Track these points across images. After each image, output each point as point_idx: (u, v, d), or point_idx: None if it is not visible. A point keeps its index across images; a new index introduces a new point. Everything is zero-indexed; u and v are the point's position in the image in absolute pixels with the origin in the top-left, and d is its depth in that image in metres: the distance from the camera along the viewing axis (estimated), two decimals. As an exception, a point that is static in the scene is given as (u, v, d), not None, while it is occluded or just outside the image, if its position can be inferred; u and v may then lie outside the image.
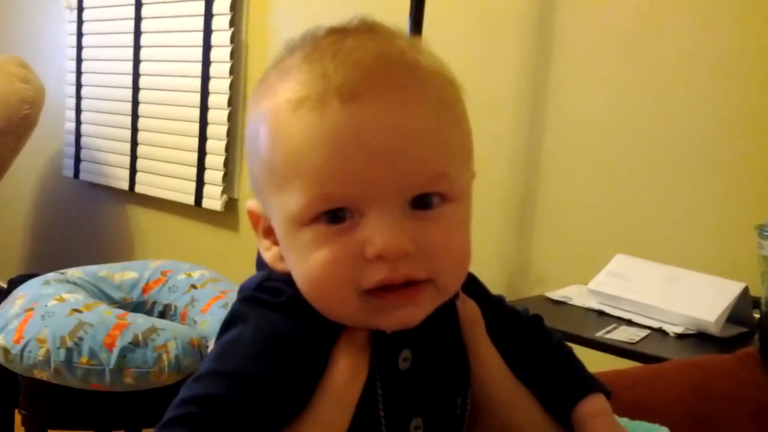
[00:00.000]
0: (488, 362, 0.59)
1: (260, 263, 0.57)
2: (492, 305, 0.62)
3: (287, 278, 0.52)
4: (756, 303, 1.25)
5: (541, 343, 0.62)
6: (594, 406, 0.59)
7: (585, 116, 1.73)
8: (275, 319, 0.51)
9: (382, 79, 0.49)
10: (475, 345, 0.58)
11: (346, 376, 0.50)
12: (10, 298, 1.78)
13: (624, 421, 0.65)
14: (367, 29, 0.54)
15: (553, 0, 1.77)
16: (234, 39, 2.53)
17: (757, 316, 1.25)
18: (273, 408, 0.48)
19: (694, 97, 1.57)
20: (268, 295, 0.52)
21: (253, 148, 0.53)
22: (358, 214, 0.48)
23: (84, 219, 3.20)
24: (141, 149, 2.88)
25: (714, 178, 1.55)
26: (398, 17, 1.82)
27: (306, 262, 0.49)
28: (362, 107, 0.48)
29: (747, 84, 1.50)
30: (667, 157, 1.61)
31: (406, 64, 0.50)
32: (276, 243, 0.53)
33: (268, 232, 0.54)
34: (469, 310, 0.58)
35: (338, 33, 0.53)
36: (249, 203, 0.56)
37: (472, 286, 0.61)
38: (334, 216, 0.48)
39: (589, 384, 0.60)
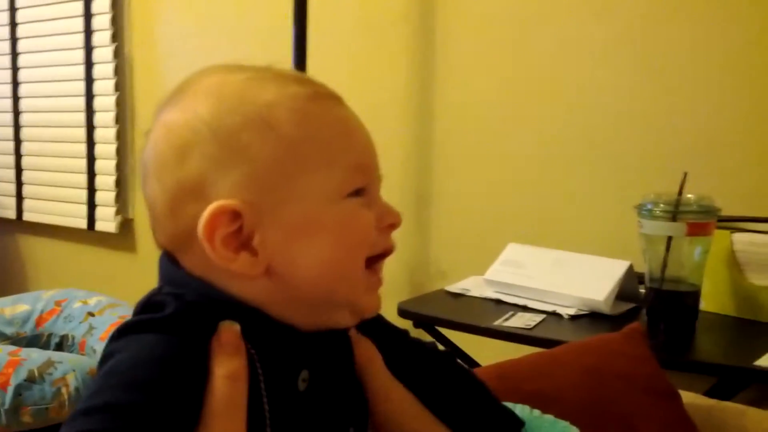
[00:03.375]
0: (392, 396, 0.59)
1: (164, 282, 0.55)
2: (395, 337, 0.63)
3: (177, 293, 0.52)
4: (641, 279, 1.31)
5: (458, 378, 0.64)
6: None
7: (473, 109, 1.77)
8: (152, 341, 0.49)
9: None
10: (375, 382, 0.59)
11: (225, 383, 0.49)
12: None
13: (535, 416, 0.67)
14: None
15: (432, -2, 1.81)
16: (117, 54, 2.46)
17: (643, 291, 1.31)
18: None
19: (577, 86, 1.63)
20: (151, 313, 0.51)
21: (255, 136, 0.52)
22: (368, 194, 0.55)
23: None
24: (26, 175, 2.76)
25: (596, 163, 1.61)
26: (281, 22, 1.82)
27: (343, 230, 0.53)
28: (350, 109, 0.57)
29: (627, 72, 1.57)
30: (553, 147, 1.67)
31: None
32: (240, 250, 0.51)
33: (234, 239, 0.51)
34: (365, 348, 0.59)
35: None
36: (219, 203, 0.51)
37: (372, 320, 0.60)
38: (358, 192, 0.54)
39: (511, 423, 0.62)
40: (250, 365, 0.51)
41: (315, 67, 1.75)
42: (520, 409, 0.65)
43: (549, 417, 0.64)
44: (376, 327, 0.61)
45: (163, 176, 0.53)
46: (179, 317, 0.50)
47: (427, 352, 0.64)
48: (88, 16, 2.49)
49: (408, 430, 0.59)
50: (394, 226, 0.56)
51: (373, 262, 0.55)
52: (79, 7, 2.50)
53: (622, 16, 1.57)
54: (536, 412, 0.66)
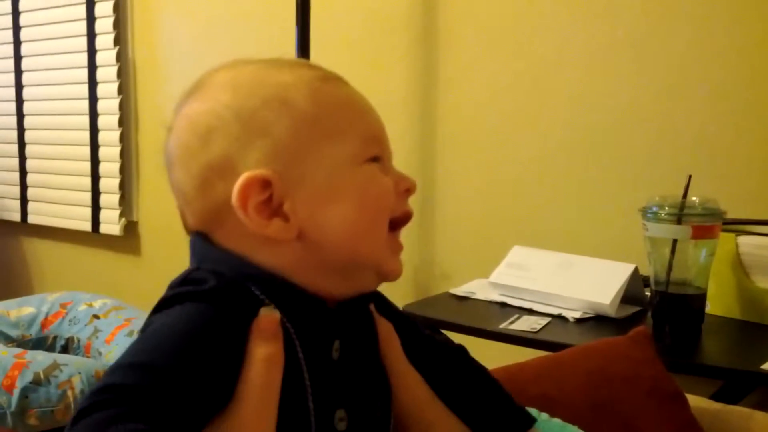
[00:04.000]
0: (407, 381, 0.61)
1: (200, 260, 0.56)
2: (406, 324, 0.64)
3: (217, 270, 0.54)
4: (646, 282, 1.31)
5: (470, 372, 0.65)
6: None
7: (476, 113, 1.77)
8: (190, 309, 0.51)
9: None
10: (393, 363, 0.61)
11: (262, 368, 0.51)
12: None
13: (542, 420, 0.67)
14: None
15: (437, 0, 1.81)
16: (120, 57, 2.47)
17: (648, 294, 1.31)
18: (189, 399, 0.48)
19: (580, 89, 1.63)
20: (192, 286, 0.53)
21: (274, 114, 0.55)
22: (383, 162, 0.59)
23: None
24: (31, 178, 2.77)
25: (601, 166, 1.61)
26: (284, 27, 1.82)
27: (365, 194, 0.56)
28: (356, 90, 0.61)
29: (630, 75, 1.57)
30: (556, 149, 1.67)
31: None
32: (272, 216, 0.54)
33: (266, 206, 0.54)
34: (385, 327, 0.61)
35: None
36: (249, 173, 0.54)
37: (384, 306, 0.63)
38: (375, 160, 0.58)
39: (524, 419, 0.63)
40: (287, 339, 0.53)
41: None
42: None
43: (557, 421, 0.65)
44: (391, 313, 0.63)
45: (188, 162, 0.56)
46: (220, 292, 0.52)
47: (438, 345, 0.65)
48: (91, 19, 2.50)
49: (422, 417, 0.60)
50: (410, 191, 0.60)
51: (394, 225, 0.58)
52: (81, 11, 2.51)
53: (625, 18, 1.57)
54: (544, 415, 0.66)
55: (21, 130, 2.77)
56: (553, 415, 0.67)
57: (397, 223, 0.59)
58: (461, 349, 0.66)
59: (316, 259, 0.55)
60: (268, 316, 0.53)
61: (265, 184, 0.54)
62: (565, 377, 0.78)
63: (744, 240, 1.31)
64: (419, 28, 1.83)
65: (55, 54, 2.63)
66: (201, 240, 0.57)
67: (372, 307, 0.61)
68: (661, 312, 1.24)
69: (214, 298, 0.52)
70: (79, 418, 0.45)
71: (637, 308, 1.33)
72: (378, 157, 0.58)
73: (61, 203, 2.67)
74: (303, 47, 1.75)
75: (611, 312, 1.29)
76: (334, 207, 0.55)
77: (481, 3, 1.75)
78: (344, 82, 0.60)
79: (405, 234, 0.59)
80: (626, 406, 0.75)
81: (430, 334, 0.65)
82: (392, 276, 0.59)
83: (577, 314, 1.30)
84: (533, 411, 0.68)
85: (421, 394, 0.61)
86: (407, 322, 0.64)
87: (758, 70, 1.43)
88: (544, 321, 1.29)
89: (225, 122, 0.55)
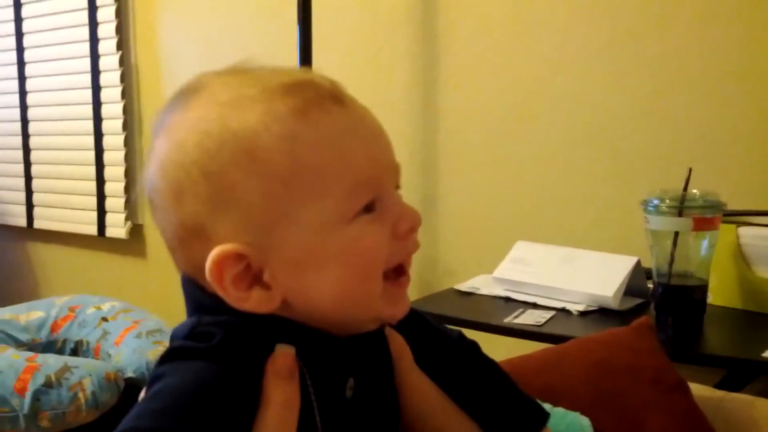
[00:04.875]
0: (419, 390, 0.60)
1: (196, 307, 0.55)
2: (418, 323, 0.63)
3: (219, 321, 0.51)
4: (649, 275, 1.33)
5: (482, 370, 0.64)
6: None
7: (477, 110, 1.79)
8: (198, 369, 0.49)
9: (344, 88, 0.55)
10: (405, 376, 0.59)
11: (278, 408, 0.49)
12: None
13: (546, 408, 0.69)
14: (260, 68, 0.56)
15: (436, 0, 1.82)
16: (123, 62, 2.49)
17: (651, 286, 1.32)
18: None
19: (580, 85, 1.65)
20: (198, 342, 0.51)
21: (242, 175, 0.50)
22: (379, 202, 0.53)
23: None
24: (36, 183, 2.79)
25: (601, 161, 1.63)
26: (286, 28, 1.84)
27: (350, 256, 0.51)
28: (353, 108, 0.54)
29: (630, 70, 1.59)
30: (558, 144, 1.69)
31: None
32: (252, 286, 0.51)
33: (243, 278, 0.51)
34: (397, 343, 0.60)
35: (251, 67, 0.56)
36: (220, 249, 0.50)
37: None
38: (368, 209, 0.52)
39: (537, 415, 0.62)
40: (300, 378, 0.51)
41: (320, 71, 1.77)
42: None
43: (559, 410, 0.66)
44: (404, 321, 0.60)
45: (166, 213, 0.53)
46: (227, 345, 0.50)
47: (452, 341, 0.64)
48: (93, 24, 2.51)
49: (435, 424, 0.59)
50: (412, 230, 0.54)
51: (394, 271, 0.54)
52: (84, 17, 2.53)
53: (624, 15, 1.58)
54: (547, 405, 0.68)
55: (25, 135, 2.79)
56: (556, 405, 0.68)
57: (398, 268, 0.55)
58: (474, 345, 0.65)
59: (309, 320, 0.53)
60: (284, 353, 0.51)
61: (240, 256, 0.50)
62: (568, 368, 0.79)
63: (744, 231, 1.32)
64: (420, 27, 1.85)
65: (58, 60, 2.65)
66: (191, 284, 0.54)
67: None
68: (663, 304, 1.26)
69: (222, 354, 0.49)
70: None
71: (640, 300, 1.35)
72: (371, 203, 0.52)
73: (66, 207, 2.69)
74: (305, 49, 1.77)
75: (614, 304, 1.30)
76: (317, 275, 0.51)
77: (481, 2, 1.77)
78: (330, 106, 0.52)
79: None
80: (629, 395, 0.76)
81: (442, 331, 0.64)
82: (395, 320, 0.56)
83: (581, 307, 1.32)
84: (553, 409, 0.69)
85: (432, 400, 0.60)
86: (419, 321, 0.63)
87: (757, 64, 1.45)
88: (549, 315, 1.30)
89: (193, 181, 0.51)
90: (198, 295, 0.54)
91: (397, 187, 0.56)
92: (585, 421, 0.66)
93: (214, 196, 0.51)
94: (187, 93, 0.54)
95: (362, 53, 1.94)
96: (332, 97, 0.53)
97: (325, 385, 0.53)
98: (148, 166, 0.55)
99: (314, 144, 0.51)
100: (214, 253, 0.50)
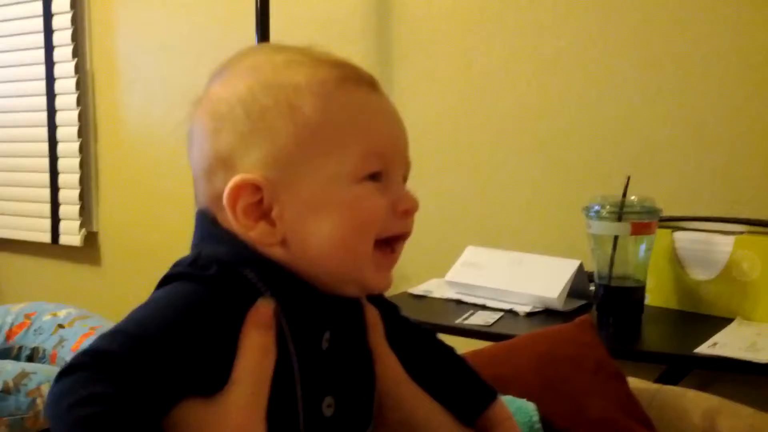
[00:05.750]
0: (386, 362, 0.64)
1: (202, 236, 0.59)
2: (390, 311, 0.68)
3: (218, 256, 0.56)
4: (591, 277, 1.40)
5: (439, 352, 0.69)
6: (501, 412, 0.67)
7: (429, 121, 1.85)
8: (190, 289, 0.54)
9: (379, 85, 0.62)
10: (376, 347, 0.63)
11: (254, 355, 0.53)
12: None
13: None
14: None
15: (390, 9, 1.88)
16: (78, 69, 2.49)
17: (593, 288, 1.40)
18: (169, 372, 0.50)
19: (526, 99, 1.72)
20: (195, 269, 0.55)
21: (280, 118, 0.56)
22: (386, 179, 0.59)
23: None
24: (-13, 190, 2.77)
25: (546, 169, 1.70)
26: (243, 38, 1.87)
27: (352, 211, 0.57)
28: (383, 95, 0.62)
29: (573, 83, 1.66)
30: (505, 154, 1.76)
31: None
32: (259, 219, 0.56)
33: (254, 209, 0.56)
34: (371, 314, 0.64)
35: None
36: (241, 176, 0.56)
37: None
38: (374, 177, 0.58)
39: (491, 391, 0.68)
40: (279, 329, 0.55)
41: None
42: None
43: (508, 397, 0.72)
44: (376, 298, 0.65)
45: (202, 144, 0.59)
46: (220, 279, 0.55)
47: (412, 327, 0.69)
48: (48, 31, 2.51)
49: (396, 395, 0.64)
50: (408, 211, 0.60)
51: (386, 243, 0.59)
52: (39, 23, 2.52)
53: (566, 30, 1.66)
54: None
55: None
56: (505, 393, 0.74)
57: (389, 241, 0.59)
58: (430, 332, 0.71)
59: (300, 264, 0.57)
60: (265, 307, 0.55)
61: (257, 187, 0.56)
62: (516, 360, 0.85)
63: (680, 235, 1.40)
64: (374, 42, 1.91)
65: (12, 66, 2.64)
66: (204, 217, 0.60)
67: None
68: (604, 304, 1.33)
69: (213, 283, 0.54)
70: (63, 375, 0.49)
71: (583, 302, 1.42)
72: (378, 173, 0.58)
73: (19, 215, 2.67)
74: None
75: (559, 305, 1.37)
76: (318, 221, 0.56)
77: (431, 18, 1.83)
78: (365, 87, 0.60)
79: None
80: (571, 383, 0.82)
81: (405, 317, 0.69)
82: (376, 290, 0.61)
83: (528, 308, 1.38)
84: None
85: (397, 374, 0.64)
86: (389, 306, 0.68)
87: (691, 75, 1.53)
88: (497, 315, 1.37)
89: (236, 116, 0.57)
90: (207, 227, 0.59)
91: (405, 179, 0.62)
92: (531, 406, 0.72)
93: (251, 131, 0.57)
94: (242, 55, 0.61)
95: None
96: (369, 83, 0.61)
97: (303, 336, 0.57)
98: (197, 108, 0.61)
99: (344, 107, 0.58)
100: (237, 178, 0.56)
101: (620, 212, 1.29)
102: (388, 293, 1.84)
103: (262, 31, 1.82)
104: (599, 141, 1.63)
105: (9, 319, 1.92)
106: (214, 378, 0.53)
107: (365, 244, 0.58)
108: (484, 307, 1.42)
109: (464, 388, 0.67)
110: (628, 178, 1.30)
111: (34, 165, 2.61)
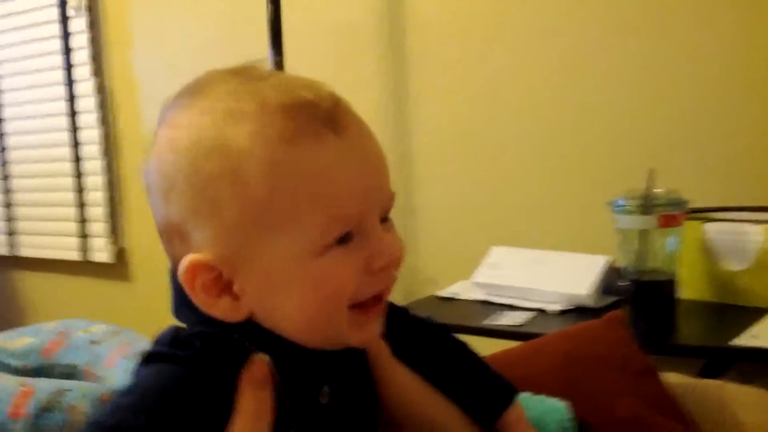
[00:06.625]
0: (397, 380, 0.63)
1: (180, 302, 0.56)
2: (398, 317, 0.66)
3: (199, 331, 0.53)
4: (621, 273, 1.38)
5: (453, 352, 0.68)
6: (515, 413, 0.66)
7: (448, 122, 1.84)
8: (171, 372, 0.51)
9: (346, 106, 0.56)
10: (383, 371, 0.62)
11: (250, 416, 0.51)
12: None
13: (525, 397, 0.73)
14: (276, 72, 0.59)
15: (403, 15, 1.88)
16: (98, 87, 2.51)
17: (624, 284, 1.37)
18: None
19: (548, 93, 1.70)
20: (176, 349, 0.52)
21: (225, 190, 0.51)
22: (358, 233, 0.53)
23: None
24: (17, 211, 2.81)
25: (571, 164, 1.68)
26: (257, 50, 1.88)
27: (315, 288, 0.52)
28: (349, 132, 0.53)
29: (596, 76, 1.65)
30: (528, 150, 1.74)
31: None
32: (221, 295, 0.53)
33: (213, 285, 0.53)
34: (374, 345, 0.62)
35: (256, 72, 0.56)
36: (192, 258, 0.52)
37: None
38: (342, 240, 0.52)
39: (506, 391, 0.66)
40: (275, 387, 0.53)
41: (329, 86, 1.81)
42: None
43: (540, 396, 0.71)
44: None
45: (156, 203, 0.55)
46: (203, 354, 0.52)
47: (425, 326, 0.68)
48: (67, 51, 2.54)
49: (416, 411, 0.63)
50: (387, 266, 0.54)
51: (364, 305, 0.54)
52: (57, 45, 2.55)
53: (590, 19, 1.64)
54: (526, 393, 0.72)
55: (4, 163, 2.80)
56: (535, 393, 0.73)
57: (367, 302, 0.55)
58: (444, 329, 0.69)
59: (277, 330, 0.54)
60: (259, 361, 0.52)
61: (211, 266, 0.52)
62: (543, 360, 0.84)
63: (710, 227, 1.38)
64: (388, 41, 1.90)
65: (34, 87, 2.67)
66: (176, 280, 0.55)
67: None
68: (636, 300, 1.31)
69: (197, 362, 0.51)
70: None
71: (616, 298, 1.39)
72: (347, 234, 0.52)
73: (49, 234, 2.71)
74: (277, 69, 1.82)
75: (590, 302, 1.35)
76: (282, 297, 0.52)
77: (444, 19, 1.82)
78: (325, 131, 0.52)
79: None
80: (598, 382, 0.81)
81: (418, 319, 0.68)
82: (361, 346, 0.57)
83: (558, 307, 1.37)
84: (525, 394, 0.73)
85: (412, 389, 0.63)
86: (397, 312, 0.65)
87: (722, 65, 1.50)
88: (528, 315, 1.35)
89: (180, 185, 0.52)
90: (180, 293, 0.55)
91: (386, 215, 0.57)
92: (562, 405, 0.70)
93: (196, 203, 0.52)
94: (192, 91, 0.56)
95: (333, 75, 1.99)
96: (329, 122, 0.52)
97: (299, 392, 0.55)
98: (149, 153, 0.56)
99: (295, 174, 0.51)
100: (186, 260, 0.52)
101: (646, 205, 1.27)
102: (415, 295, 1.84)
103: (275, 41, 1.82)
104: (621, 135, 1.61)
105: (43, 338, 1.93)
106: None
107: (337, 317, 0.53)
108: (512, 308, 1.41)
109: (480, 390, 0.66)
110: (651, 171, 1.28)
111: (62, 184, 2.64)
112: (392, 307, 0.65)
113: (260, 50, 1.86)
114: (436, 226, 1.88)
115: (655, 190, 1.29)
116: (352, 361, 0.60)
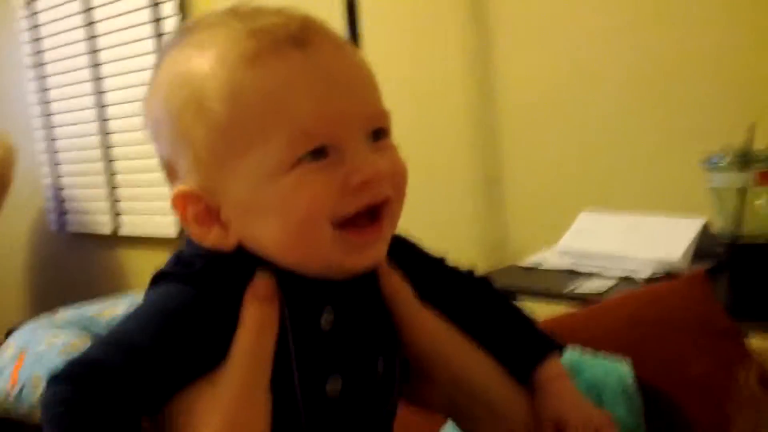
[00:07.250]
0: (423, 323, 0.59)
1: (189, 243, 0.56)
2: (428, 266, 0.62)
3: (201, 252, 0.53)
4: (718, 236, 1.27)
5: (491, 302, 0.63)
6: (553, 369, 0.60)
7: (534, 85, 1.76)
8: (175, 291, 0.52)
9: (321, 27, 0.53)
10: (403, 312, 0.59)
11: (254, 331, 0.51)
12: (3, 346, 1.80)
13: (583, 358, 0.67)
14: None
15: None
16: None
17: (721, 248, 1.27)
18: (159, 378, 0.50)
19: (635, 50, 1.60)
20: (181, 267, 0.54)
21: (192, 120, 0.51)
22: (335, 151, 0.50)
23: (73, 268, 3.22)
24: (120, 192, 2.92)
25: (662, 122, 1.58)
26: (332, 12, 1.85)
27: (288, 207, 0.50)
28: (317, 49, 0.51)
29: (684, 30, 1.53)
30: (615, 110, 1.64)
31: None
32: (212, 224, 0.53)
33: (205, 215, 0.53)
34: (391, 281, 0.59)
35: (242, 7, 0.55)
36: (177, 189, 0.53)
37: (404, 249, 0.61)
38: (315, 154, 0.50)
39: (545, 345, 0.61)
40: (278, 304, 0.53)
41: (370, 54, 1.78)
42: (570, 353, 0.65)
43: (599, 357, 0.65)
44: (408, 257, 0.61)
45: (153, 144, 0.56)
46: (206, 272, 0.52)
47: (462, 277, 0.63)
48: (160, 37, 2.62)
49: (441, 353, 0.59)
50: (366, 183, 0.51)
51: (353, 221, 0.52)
52: (151, 43, 2.64)
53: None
54: (587, 355, 0.66)
55: (107, 148, 2.91)
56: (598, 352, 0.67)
57: (357, 217, 0.51)
58: (485, 280, 0.64)
59: (270, 257, 0.53)
60: (264, 277, 0.52)
61: (197, 196, 0.52)
62: (609, 321, 0.78)
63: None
64: (470, 9, 1.84)
65: (132, 72, 2.76)
66: None
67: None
68: (732, 265, 1.21)
69: (200, 280, 0.52)
70: (56, 381, 0.49)
71: (711, 263, 1.29)
72: (321, 149, 0.50)
73: (149, 213, 2.79)
74: (352, 32, 1.78)
75: (684, 268, 1.26)
76: (260, 223, 0.51)
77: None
78: (290, 48, 0.50)
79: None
80: (673, 343, 0.74)
81: (454, 268, 0.63)
82: (355, 271, 0.53)
83: (647, 274, 1.28)
84: (575, 351, 0.67)
85: (436, 331, 0.60)
86: (427, 261, 0.62)
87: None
88: (612, 283, 1.27)
89: (162, 123, 0.53)
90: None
91: (379, 134, 0.53)
92: (625, 368, 0.64)
93: (174, 137, 0.53)
94: (182, 31, 0.56)
95: (413, 34, 1.94)
96: (294, 40, 0.51)
97: (301, 316, 0.54)
98: (148, 90, 0.57)
99: (255, 92, 0.50)
100: (174, 191, 0.53)
101: (744, 161, 1.16)
102: (497, 265, 1.77)
103: (350, 7, 1.79)
104: (718, 88, 1.49)
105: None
106: (216, 363, 0.52)
107: (317, 236, 0.51)
108: (599, 276, 1.33)
109: (517, 340, 0.61)
110: (752, 125, 1.17)
111: (156, 165, 2.70)
112: (424, 254, 0.63)
113: (335, 17, 1.83)
114: (523, 193, 1.81)
115: (754, 147, 1.18)
116: (360, 292, 0.57)
